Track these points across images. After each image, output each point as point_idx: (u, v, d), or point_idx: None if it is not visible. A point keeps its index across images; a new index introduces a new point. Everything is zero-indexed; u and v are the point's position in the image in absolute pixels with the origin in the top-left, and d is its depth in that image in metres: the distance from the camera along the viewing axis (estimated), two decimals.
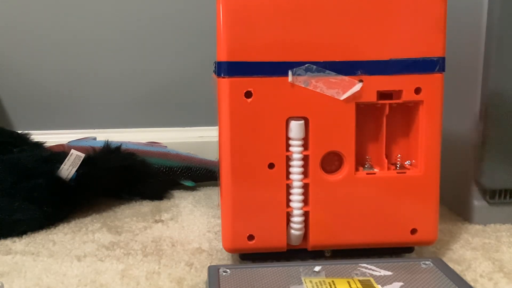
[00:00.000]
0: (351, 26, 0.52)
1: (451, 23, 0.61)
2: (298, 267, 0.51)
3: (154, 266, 0.58)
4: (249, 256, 0.57)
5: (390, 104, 0.55)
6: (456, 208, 0.75)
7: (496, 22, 0.64)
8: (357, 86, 0.53)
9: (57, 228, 0.71)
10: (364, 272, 0.50)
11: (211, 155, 0.93)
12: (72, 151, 0.73)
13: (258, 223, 0.54)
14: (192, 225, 0.72)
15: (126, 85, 1.06)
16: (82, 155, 0.74)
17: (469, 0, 0.69)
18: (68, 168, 0.73)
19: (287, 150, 0.54)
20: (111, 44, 1.04)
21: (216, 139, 0.57)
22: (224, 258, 0.60)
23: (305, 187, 0.54)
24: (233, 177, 0.54)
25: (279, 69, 0.52)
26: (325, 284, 0.47)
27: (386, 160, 0.56)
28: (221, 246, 0.63)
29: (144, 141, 0.95)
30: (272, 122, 0.53)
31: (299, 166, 0.54)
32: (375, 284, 0.47)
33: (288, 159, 0.54)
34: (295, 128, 0.53)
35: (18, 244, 0.65)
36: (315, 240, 0.55)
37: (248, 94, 0.52)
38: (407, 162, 0.57)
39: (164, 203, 0.83)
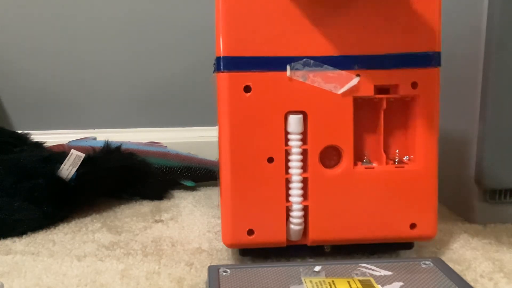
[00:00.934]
0: (348, 21, 0.53)
1: (451, 23, 0.61)
2: (298, 267, 0.51)
3: (154, 266, 0.58)
4: (249, 252, 0.57)
5: (387, 98, 0.55)
6: (456, 208, 0.75)
7: (496, 22, 0.64)
8: (355, 80, 0.53)
9: (57, 228, 0.71)
10: (364, 272, 0.50)
11: (211, 155, 0.93)
12: (72, 151, 0.73)
13: (257, 217, 0.54)
14: (192, 225, 0.72)
15: (126, 85, 1.06)
16: (82, 155, 0.74)
17: (469, 0, 0.69)
18: (68, 168, 0.73)
19: (286, 144, 0.54)
20: (111, 44, 1.04)
21: (216, 139, 0.57)
22: (224, 258, 0.60)
23: (304, 181, 0.55)
24: (232, 171, 0.54)
25: (277, 64, 0.53)
26: (325, 284, 0.47)
27: (384, 155, 0.56)
28: (221, 246, 0.63)
29: (144, 141, 0.95)
30: (270, 116, 0.53)
31: (298, 160, 0.54)
32: (375, 284, 0.47)
33: (287, 153, 0.54)
34: (294, 122, 0.53)
35: (18, 244, 0.65)
36: (315, 235, 0.55)
37: (247, 89, 0.53)
38: (405, 157, 0.57)
39: (164, 203, 0.83)
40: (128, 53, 1.05)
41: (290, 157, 0.54)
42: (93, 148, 0.85)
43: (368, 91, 0.54)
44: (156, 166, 0.88)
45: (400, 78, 0.54)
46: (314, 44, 0.53)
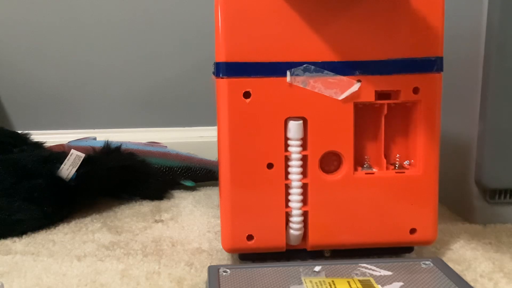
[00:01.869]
0: (349, 26, 0.53)
1: (451, 23, 0.61)
2: (298, 267, 0.51)
3: (154, 266, 0.58)
4: (249, 256, 0.57)
5: (388, 104, 0.55)
6: (456, 208, 0.75)
7: (496, 22, 0.64)
8: (355, 86, 0.53)
9: (57, 228, 0.71)
10: (364, 272, 0.50)
11: (211, 155, 0.93)
12: (72, 151, 0.73)
13: (257, 223, 0.54)
14: (192, 225, 0.72)
15: (126, 85, 1.06)
16: (82, 155, 0.74)
17: (469, 0, 0.69)
18: (68, 168, 0.73)
19: (286, 150, 0.54)
20: (111, 44, 1.04)
21: (216, 139, 0.57)
22: (224, 258, 0.60)
23: (304, 187, 0.54)
24: (232, 177, 0.54)
25: (277, 69, 0.52)
26: (325, 284, 0.47)
27: (384, 160, 0.56)
28: (221, 246, 0.63)
29: (144, 141, 0.95)
30: (270, 122, 0.53)
31: (298, 166, 0.54)
32: (375, 284, 0.47)
33: (287, 159, 0.54)
34: (294, 128, 0.53)
35: (18, 244, 0.65)
36: (314, 240, 0.55)
37: (246, 95, 0.53)
38: (406, 162, 0.57)
39: (164, 203, 0.83)
40: (128, 53, 1.05)
41: (290, 163, 0.54)
42: (93, 148, 0.85)
43: (369, 96, 0.54)
44: (156, 166, 0.88)
45: (401, 83, 0.54)
46: (315, 49, 0.52)
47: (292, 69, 0.52)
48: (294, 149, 0.53)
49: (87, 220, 0.74)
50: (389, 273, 0.50)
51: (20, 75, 1.04)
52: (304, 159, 0.54)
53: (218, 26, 0.52)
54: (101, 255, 0.61)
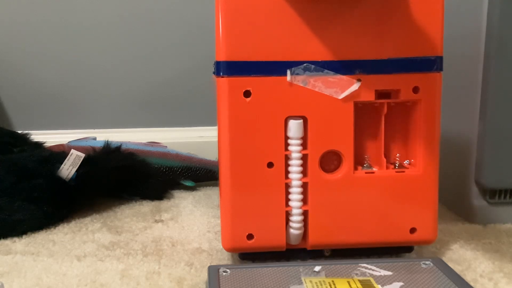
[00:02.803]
0: (349, 26, 0.53)
1: (451, 23, 0.61)
2: (298, 267, 0.51)
3: (154, 266, 0.58)
4: (249, 256, 0.57)
5: (388, 103, 0.55)
6: (456, 208, 0.75)
7: (496, 22, 0.64)
8: (355, 85, 0.53)
9: (57, 228, 0.71)
10: (364, 272, 0.50)
11: (211, 155, 0.93)
12: (72, 151, 0.73)
13: (257, 222, 0.54)
14: (192, 225, 0.72)
15: (126, 85, 1.06)
16: (82, 155, 0.74)
17: (469, 0, 0.69)
18: (68, 168, 0.73)
19: (286, 149, 0.54)
20: (111, 44, 1.04)
21: (216, 139, 0.57)
22: (224, 258, 0.60)
23: (304, 186, 0.54)
24: (232, 176, 0.54)
25: (277, 68, 0.52)
26: (325, 284, 0.47)
27: (384, 160, 0.56)
28: (221, 246, 0.63)
29: (144, 141, 0.95)
30: (271, 121, 0.53)
31: (298, 165, 0.54)
32: (375, 284, 0.47)
33: (287, 158, 0.54)
34: (294, 127, 0.53)
35: (18, 244, 0.65)
36: (314, 239, 0.55)
37: (247, 94, 0.53)
38: (406, 162, 0.57)
39: (164, 203, 0.83)
40: (128, 53, 1.05)
41: (290, 162, 0.54)
42: (93, 148, 0.85)
43: (369, 96, 0.54)
44: (156, 166, 0.88)
45: (401, 83, 0.54)
46: (315, 48, 0.52)
47: (293, 68, 0.52)
48: (294, 148, 0.53)
49: (87, 220, 0.74)
50: (389, 273, 0.50)
51: (20, 75, 1.04)
52: (304, 158, 0.54)
53: (218, 25, 0.52)
54: (101, 255, 0.61)
